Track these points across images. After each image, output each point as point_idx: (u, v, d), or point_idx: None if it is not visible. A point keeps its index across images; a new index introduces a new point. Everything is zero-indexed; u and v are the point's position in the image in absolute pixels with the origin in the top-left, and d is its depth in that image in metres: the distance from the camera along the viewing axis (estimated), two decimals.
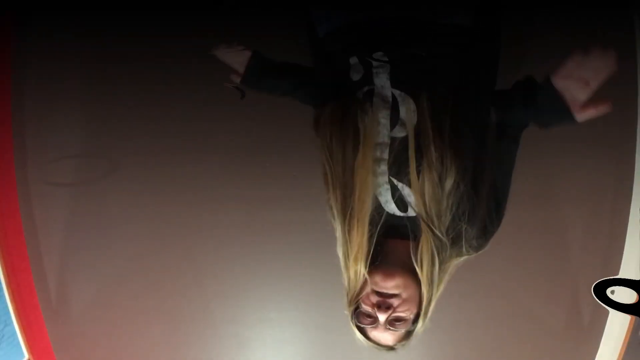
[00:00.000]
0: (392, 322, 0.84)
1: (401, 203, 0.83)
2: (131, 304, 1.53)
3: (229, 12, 1.34)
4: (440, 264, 0.82)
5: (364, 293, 0.84)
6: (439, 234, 0.79)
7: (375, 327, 0.84)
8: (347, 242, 0.83)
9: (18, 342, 1.43)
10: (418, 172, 0.78)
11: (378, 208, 0.84)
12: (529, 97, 0.81)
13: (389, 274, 0.82)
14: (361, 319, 0.85)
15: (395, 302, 0.83)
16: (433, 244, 0.80)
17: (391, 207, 0.84)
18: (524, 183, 1.38)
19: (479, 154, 0.81)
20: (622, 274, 1.39)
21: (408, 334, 0.87)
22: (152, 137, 1.42)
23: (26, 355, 1.45)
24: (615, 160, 1.35)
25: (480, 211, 0.82)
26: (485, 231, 0.88)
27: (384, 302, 0.82)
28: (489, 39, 0.89)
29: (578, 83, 0.74)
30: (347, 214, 0.81)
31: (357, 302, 0.84)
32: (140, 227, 1.48)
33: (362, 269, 0.81)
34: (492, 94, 0.87)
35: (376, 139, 0.82)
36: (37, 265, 1.50)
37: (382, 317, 0.83)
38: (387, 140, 0.82)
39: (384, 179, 0.82)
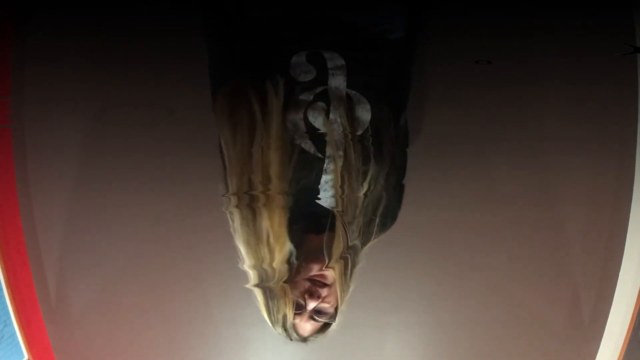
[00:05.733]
0: (316, 313, 0.86)
1: None
2: (131, 304, 1.53)
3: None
4: (352, 266, 0.86)
5: (294, 280, 0.84)
6: (352, 236, 0.84)
7: (300, 315, 0.86)
8: (253, 230, 0.82)
9: (18, 342, 1.43)
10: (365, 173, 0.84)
11: (308, 200, 0.87)
12: None
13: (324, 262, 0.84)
14: None
15: (325, 291, 0.85)
16: (345, 245, 0.83)
17: (331, 202, 0.87)
18: (523, 183, 1.39)
19: (395, 151, 0.89)
20: (622, 274, 1.39)
21: (325, 327, 0.90)
22: (152, 138, 1.42)
23: (26, 355, 1.45)
24: (616, 160, 1.35)
25: (390, 203, 0.89)
26: (393, 216, 0.94)
27: (315, 290, 0.84)
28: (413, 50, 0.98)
29: None
30: (253, 200, 0.82)
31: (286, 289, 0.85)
32: (141, 227, 1.48)
33: (285, 252, 0.82)
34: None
35: (334, 137, 0.85)
36: (37, 265, 1.49)
37: (311, 304, 0.85)
38: (342, 139, 0.85)
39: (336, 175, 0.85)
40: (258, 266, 0.85)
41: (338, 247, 0.83)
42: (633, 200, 1.34)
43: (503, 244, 1.43)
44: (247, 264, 0.86)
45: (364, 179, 0.84)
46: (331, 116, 0.86)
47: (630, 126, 1.32)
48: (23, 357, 1.44)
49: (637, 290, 1.36)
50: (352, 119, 0.85)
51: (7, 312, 1.40)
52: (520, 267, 1.45)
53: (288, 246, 0.82)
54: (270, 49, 0.91)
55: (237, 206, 0.82)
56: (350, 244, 0.84)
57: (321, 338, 0.93)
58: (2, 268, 1.38)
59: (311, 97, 0.87)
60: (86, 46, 1.39)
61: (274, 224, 0.80)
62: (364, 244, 0.88)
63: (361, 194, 0.84)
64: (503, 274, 1.45)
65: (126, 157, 1.44)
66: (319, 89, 0.87)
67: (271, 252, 0.82)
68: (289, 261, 0.83)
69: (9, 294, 1.40)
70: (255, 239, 0.82)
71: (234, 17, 0.93)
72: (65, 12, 1.37)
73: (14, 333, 1.42)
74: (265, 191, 0.80)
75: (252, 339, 1.55)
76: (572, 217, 1.41)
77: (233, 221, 0.84)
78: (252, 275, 0.87)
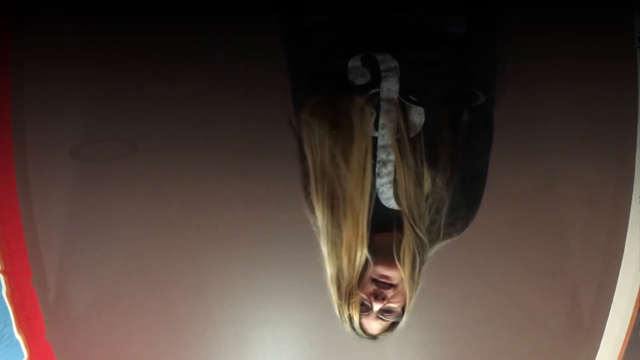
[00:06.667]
0: (383, 312, 0.87)
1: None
2: (131, 304, 1.53)
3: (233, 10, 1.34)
4: (421, 263, 0.86)
5: (362, 281, 0.85)
6: (420, 234, 0.83)
7: (367, 315, 0.87)
8: (335, 232, 0.84)
9: (18, 342, 1.43)
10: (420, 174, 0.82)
11: (375, 203, 0.86)
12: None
13: (391, 264, 0.84)
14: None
15: (390, 292, 0.86)
16: (414, 243, 0.83)
17: (391, 203, 0.87)
18: (524, 183, 1.39)
19: (456, 155, 0.86)
20: (622, 274, 1.39)
21: (393, 326, 0.91)
22: (152, 137, 1.42)
23: (26, 355, 1.45)
24: (616, 159, 1.35)
25: (456, 206, 0.87)
26: (463, 219, 0.91)
27: (380, 292, 0.85)
28: (482, 46, 0.92)
29: None
30: (335, 205, 0.83)
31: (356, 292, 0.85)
32: (140, 227, 1.48)
33: (361, 256, 0.83)
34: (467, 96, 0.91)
35: (386, 141, 0.85)
36: (37, 266, 1.49)
37: (376, 306, 0.86)
38: (391, 142, 0.84)
39: (389, 178, 0.85)
40: (337, 266, 0.86)
41: (407, 246, 0.83)
42: (633, 200, 1.34)
43: (503, 244, 1.43)
44: (327, 263, 0.88)
45: (423, 181, 0.82)
46: (383, 120, 0.85)
47: (630, 126, 1.32)
48: (23, 357, 1.44)
49: (637, 290, 1.36)
50: (404, 122, 0.84)
51: (7, 312, 1.40)
52: (520, 267, 1.45)
53: (365, 250, 0.83)
54: (329, 55, 0.90)
55: (322, 211, 0.84)
56: (418, 242, 0.84)
57: (389, 336, 0.93)
58: (2, 268, 1.38)
59: (364, 101, 0.85)
60: (86, 46, 1.39)
61: (355, 229, 0.82)
62: (431, 243, 0.87)
63: (423, 195, 0.83)
64: (503, 274, 1.45)
65: (126, 158, 1.44)
66: (371, 92, 0.86)
67: (350, 254, 0.83)
68: (364, 264, 0.84)
69: (9, 294, 1.40)
70: (339, 241, 0.84)
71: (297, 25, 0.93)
72: (65, 12, 1.37)
73: (14, 333, 1.42)
74: (346, 199, 0.82)
75: (253, 339, 1.55)
76: (572, 217, 1.41)
77: (317, 223, 0.87)
78: (330, 275, 0.88)
